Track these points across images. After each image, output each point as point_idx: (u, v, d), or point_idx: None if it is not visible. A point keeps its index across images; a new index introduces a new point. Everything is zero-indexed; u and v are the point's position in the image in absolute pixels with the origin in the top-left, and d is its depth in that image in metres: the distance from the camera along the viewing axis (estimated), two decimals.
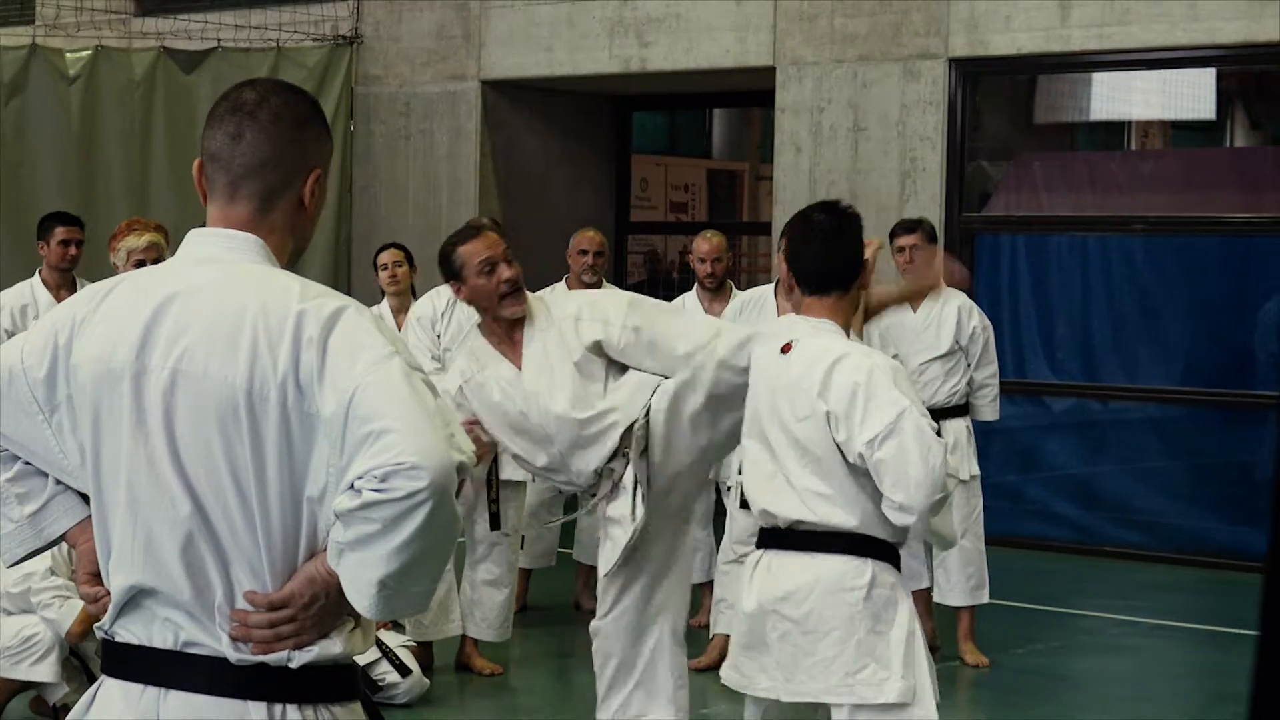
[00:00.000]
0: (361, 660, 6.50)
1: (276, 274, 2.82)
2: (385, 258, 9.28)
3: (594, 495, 5.83)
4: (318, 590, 2.74)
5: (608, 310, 5.73)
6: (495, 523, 7.97)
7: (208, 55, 13.72)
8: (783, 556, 4.82)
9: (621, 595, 5.85)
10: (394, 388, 2.64)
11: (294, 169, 2.88)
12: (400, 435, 2.59)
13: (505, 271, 5.69)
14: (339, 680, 2.83)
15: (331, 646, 2.78)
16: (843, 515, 4.69)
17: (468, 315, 8.14)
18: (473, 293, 5.74)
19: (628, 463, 5.65)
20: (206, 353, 2.73)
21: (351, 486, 2.61)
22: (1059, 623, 9.61)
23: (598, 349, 5.70)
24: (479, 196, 13.49)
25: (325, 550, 2.72)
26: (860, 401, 4.61)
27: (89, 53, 13.64)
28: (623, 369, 5.72)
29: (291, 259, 2.93)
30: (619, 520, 5.72)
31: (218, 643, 2.75)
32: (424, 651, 7.89)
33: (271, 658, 2.74)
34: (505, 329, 5.78)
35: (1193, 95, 12.73)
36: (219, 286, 2.78)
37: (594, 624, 5.94)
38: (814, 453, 4.71)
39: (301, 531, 2.74)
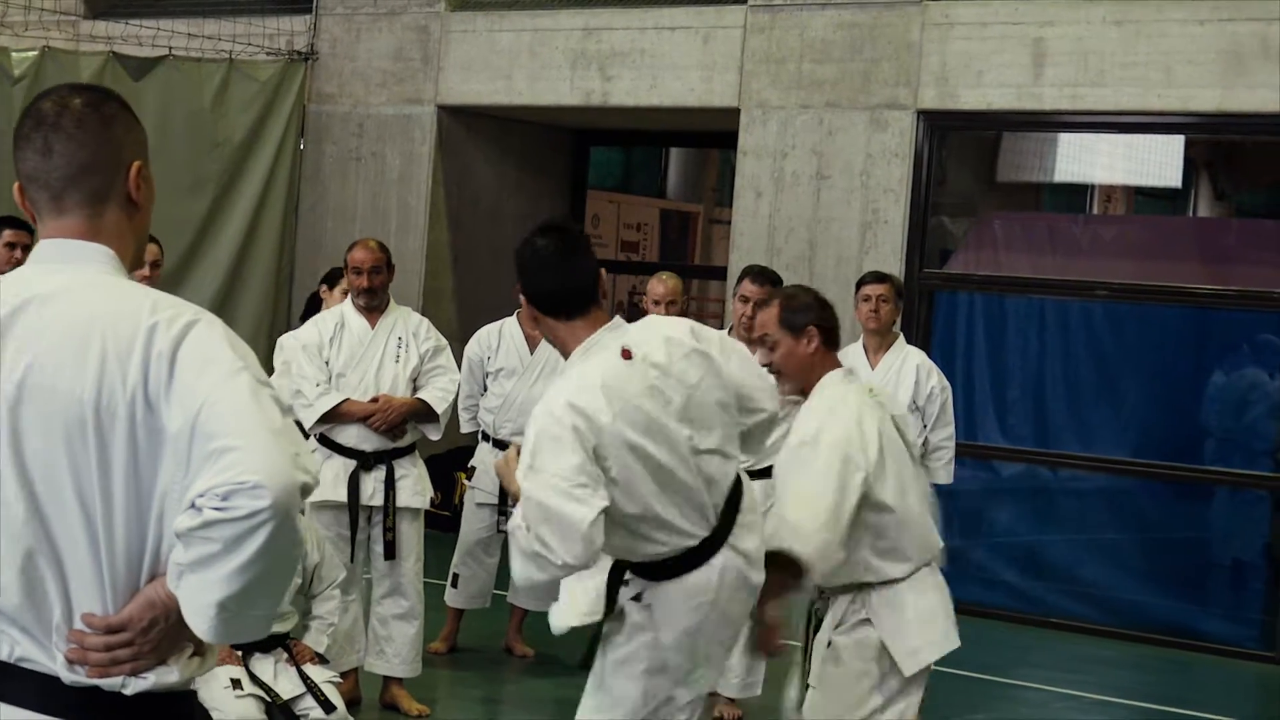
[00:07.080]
0: (286, 694, 6.36)
1: (127, 286, 2.78)
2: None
3: None
4: (157, 614, 2.69)
5: None
6: (390, 551, 7.66)
7: (158, 63, 13.38)
8: None
9: None
10: (240, 404, 2.61)
11: (113, 168, 2.83)
12: (244, 453, 2.56)
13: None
14: (175, 708, 2.78)
15: (168, 674, 2.73)
16: None
17: (359, 339, 7.78)
18: None
19: None
20: (55, 365, 2.68)
21: (193, 505, 2.57)
22: (1001, 693, 9.43)
23: None
24: (429, 223, 13.22)
25: (167, 573, 2.67)
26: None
27: (35, 53, 13.30)
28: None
29: (135, 260, 2.88)
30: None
31: (52, 661, 2.70)
32: (351, 688, 7.63)
33: (105, 682, 2.69)
34: None
35: (1159, 162, 12.63)
36: (69, 296, 2.73)
37: None
38: None
39: (146, 552, 2.69)
